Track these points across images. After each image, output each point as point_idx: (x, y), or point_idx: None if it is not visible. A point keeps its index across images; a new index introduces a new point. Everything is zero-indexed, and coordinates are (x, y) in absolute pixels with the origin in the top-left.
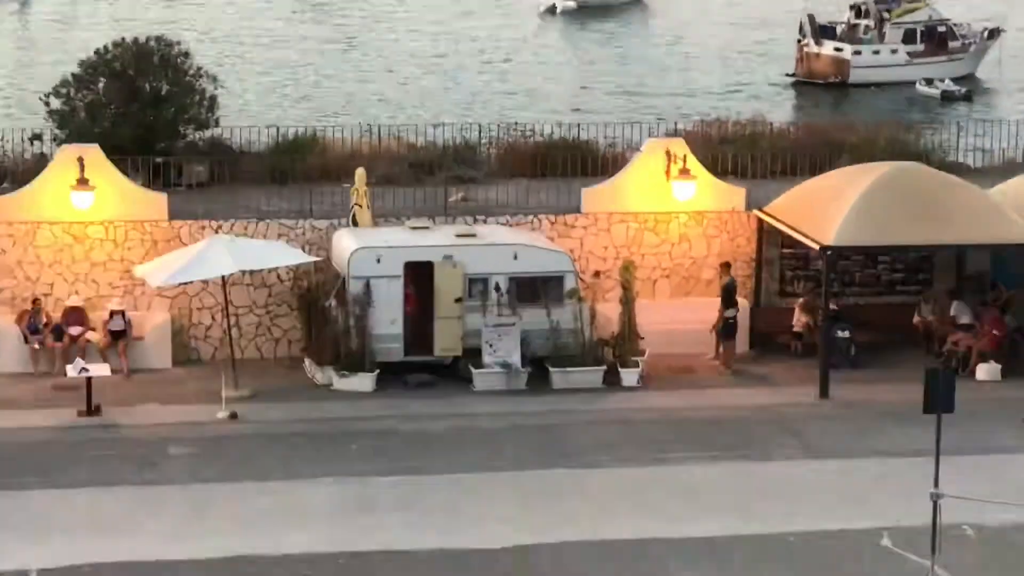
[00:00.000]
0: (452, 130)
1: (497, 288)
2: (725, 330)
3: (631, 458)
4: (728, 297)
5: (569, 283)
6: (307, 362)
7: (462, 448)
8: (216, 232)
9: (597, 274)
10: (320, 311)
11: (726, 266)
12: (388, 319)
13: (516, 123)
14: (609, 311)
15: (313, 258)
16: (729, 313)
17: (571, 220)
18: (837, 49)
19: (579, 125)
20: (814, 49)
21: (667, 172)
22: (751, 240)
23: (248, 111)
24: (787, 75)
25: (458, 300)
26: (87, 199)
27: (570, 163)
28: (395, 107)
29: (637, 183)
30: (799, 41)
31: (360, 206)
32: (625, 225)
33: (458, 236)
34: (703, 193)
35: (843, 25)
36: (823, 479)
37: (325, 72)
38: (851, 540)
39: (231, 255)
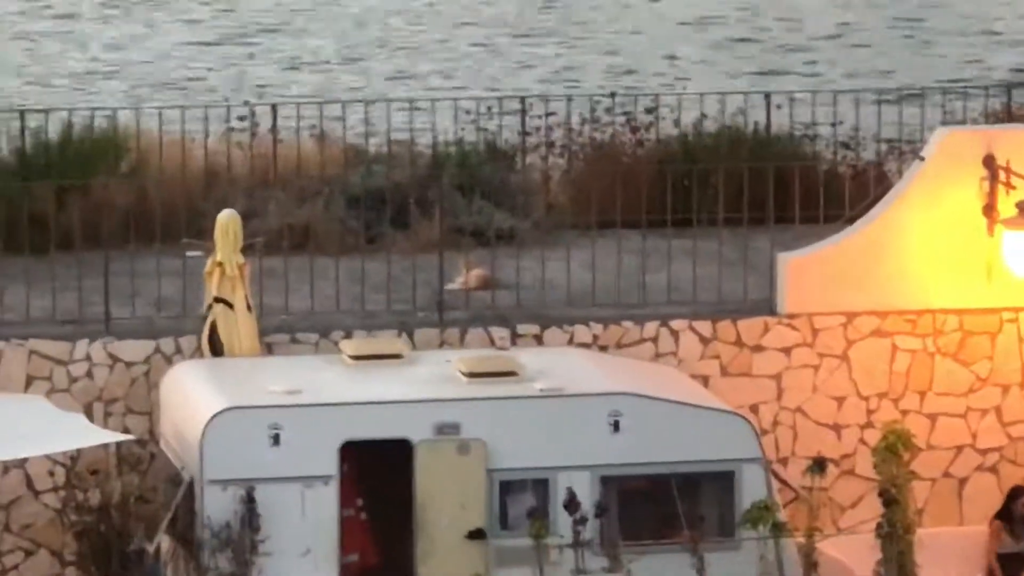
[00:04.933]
0: (457, 113)
1: (572, 504)
2: None
3: None
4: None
5: (751, 489)
6: None
7: None
8: None
9: (821, 465)
10: (129, 568)
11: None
12: None
13: (612, 95)
14: (852, 553)
15: (114, 436)
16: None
17: (752, 332)
18: None
19: (767, 97)
20: None
21: (988, 209)
22: None
23: None
24: None
25: (475, 534)
26: None
27: (747, 190)
28: (321, 63)
29: (913, 237)
30: None
31: (227, 303)
32: (887, 344)
33: (472, 376)
34: None
35: None
36: None
37: None
38: None
39: None
